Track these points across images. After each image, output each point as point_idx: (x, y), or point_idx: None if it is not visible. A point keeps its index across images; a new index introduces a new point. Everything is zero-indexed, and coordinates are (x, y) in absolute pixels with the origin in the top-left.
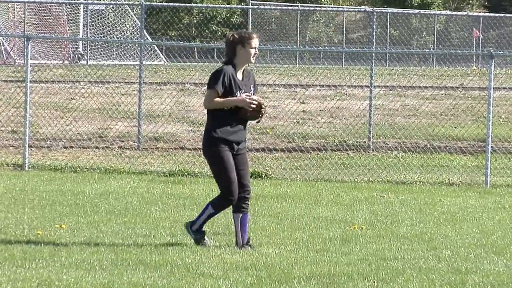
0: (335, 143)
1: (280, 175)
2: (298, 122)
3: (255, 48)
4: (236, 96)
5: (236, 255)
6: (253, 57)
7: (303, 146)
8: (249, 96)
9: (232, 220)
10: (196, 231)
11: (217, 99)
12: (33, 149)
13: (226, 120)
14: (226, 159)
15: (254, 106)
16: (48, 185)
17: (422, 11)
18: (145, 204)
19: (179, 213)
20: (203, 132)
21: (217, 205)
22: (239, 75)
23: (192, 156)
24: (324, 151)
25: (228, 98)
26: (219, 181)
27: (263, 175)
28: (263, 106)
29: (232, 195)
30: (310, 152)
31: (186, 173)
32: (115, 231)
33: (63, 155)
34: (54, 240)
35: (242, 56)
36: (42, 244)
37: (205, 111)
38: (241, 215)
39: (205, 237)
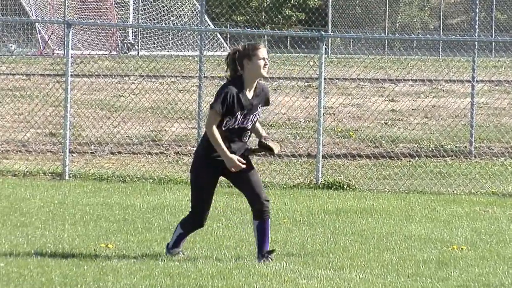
0: (430, 148)
1: (365, 186)
2: (386, 124)
3: (263, 59)
4: (236, 117)
5: (313, 280)
6: (263, 69)
7: (392, 151)
8: (241, 162)
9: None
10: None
11: (217, 136)
12: (74, 155)
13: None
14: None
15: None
16: (92, 198)
17: None
18: (206, 220)
19: (246, 231)
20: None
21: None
22: (249, 93)
23: (262, 163)
24: (417, 158)
25: (222, 147)
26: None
27: (345, 186)
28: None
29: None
30: (401, 159)
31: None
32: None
33: (110, 162)
34: (99, 262)
35: (251, 71)
36: (85, 267)
37: (276, 111)
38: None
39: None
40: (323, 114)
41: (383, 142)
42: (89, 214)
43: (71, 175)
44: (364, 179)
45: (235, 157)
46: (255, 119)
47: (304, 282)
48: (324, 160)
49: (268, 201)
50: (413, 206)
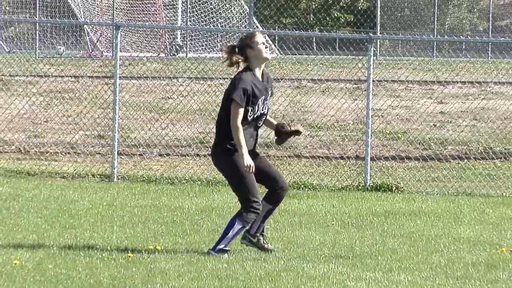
0: (479, 151)
1: (414, 188)
2: (435, 126)
3: (262, 43)
4: (258, 104)
5: (361, 282)
6: (265, 51)
7: (441, 154)
8: (250, 167)
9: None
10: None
11: (241, 133)
12: (123, 157)
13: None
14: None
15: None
16: (141, 199)
17: None
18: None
19: (294, 233)
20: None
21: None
22: (259, 79)
23: (310, 165)
24: (466, 160)
25: (242, 146)
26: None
27: (394, 188)
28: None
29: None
30: (450, 161)
31: (302, 186)
32: (219, 254)
33: (158, 164)
34: (148, 264)
35: (256, 58)
36: (134, 269)
37: (325, 113)
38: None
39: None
40: (372, 116)
41: (432, 144)
42: (138, 216)
43: (119, 177)
44: (413, 181)
45: (251, 162)
46: (270, 104)
47: (353, 284)
48: (373, 162)
49: (287, 190)
50: (462, 209)
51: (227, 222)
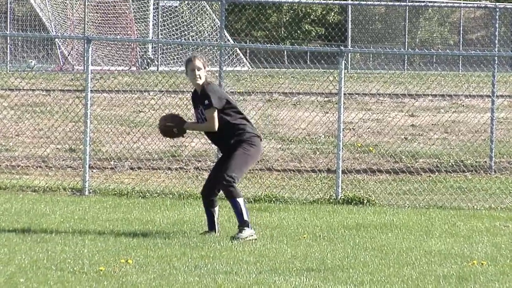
0: (450, 164)
1: (385, 201)
2: (406, 139)
3: (193, 70)
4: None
5: None
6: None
7: (412, 166)
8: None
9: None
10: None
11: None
12: (94, 170)
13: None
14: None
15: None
16: (112, 213)
17: None
18: (226, 235)
19: (265, 246)
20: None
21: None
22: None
23: (281, 178)
24: (437, 173)
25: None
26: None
27: (365, 201)
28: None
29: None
30: (421, 174)
31: (273, 199)
32: (190, 267)
33: (130, 177)
34: (119, 278)
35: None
36: (105, 283)
37: (296, 126)
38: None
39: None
40: (343, 129)
41: (403, 157)
42: (109, 229)
43: (91, 190)
44: (384, 194)
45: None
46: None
47: None
48: (344, 175)
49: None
50: (433, 221)
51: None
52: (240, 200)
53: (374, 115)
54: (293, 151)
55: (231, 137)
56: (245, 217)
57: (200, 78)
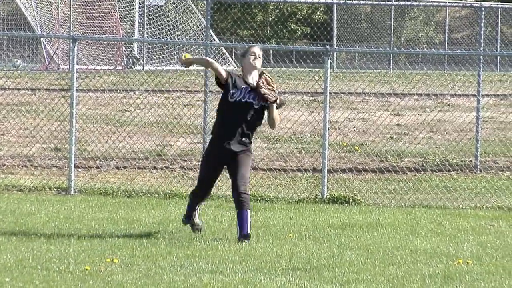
0: (435, 163)
1: (371, 200)
2: (391, 138)
3: (254, 53)
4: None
5: None
6: (253, 61)
7: (397, 166)
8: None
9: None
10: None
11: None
12: (80, 170)
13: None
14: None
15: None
16: (98, 212)
17: None
18: (212, 235)
19: (251, 245)
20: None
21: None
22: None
23: (267, 178)
24: (422, 172)
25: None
26: None
27: (351, 200)
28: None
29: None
30: (406, 173)
31: (259, 198)
32: (176, 266)
33: (115, 176)
34: (105, 277)
35: (245, 65)
36: (91, 282)
37: (282, 125)
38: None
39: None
40: (329, 129)
41: (389, 156)
42: (95, 229)
43: (76, 190)
44: (370, 193)
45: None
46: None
47: None
48: (330, 175)
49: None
50: (419, 221)
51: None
52: (249, 212)
53: (360, 114)
54: (278, 150)
55: (251, 138)
56: (249, 230)
57: (256, 66)
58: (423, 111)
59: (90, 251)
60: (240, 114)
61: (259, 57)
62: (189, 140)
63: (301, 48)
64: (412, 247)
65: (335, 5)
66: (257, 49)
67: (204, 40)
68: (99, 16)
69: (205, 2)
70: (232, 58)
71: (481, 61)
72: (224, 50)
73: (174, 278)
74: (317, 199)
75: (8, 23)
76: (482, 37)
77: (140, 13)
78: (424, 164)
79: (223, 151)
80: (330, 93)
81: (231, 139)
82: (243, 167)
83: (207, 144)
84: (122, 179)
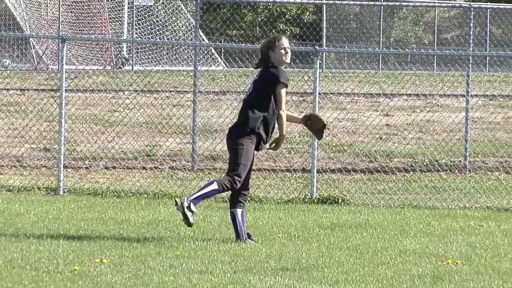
0: (424, 163)
1: (360, 201)
2: (381, 138)
3: (284, 48)
4: None
5: None
6: (285, 56)
7: (386, 166)
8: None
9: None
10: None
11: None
12: (69, 170)
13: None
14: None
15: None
16: (87, 213)
17: None
18: (201, 235)
19: (241, 246)
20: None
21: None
22: None
23: (256, 178)
24: (412, 172)
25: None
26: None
27: (340, 201)
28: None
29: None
30: (395, 174)
31: (248, 198)
32: (165, 267)
33: (104, 177)
34: (94, 277)
35: (275, 59)
36: (80, 282)
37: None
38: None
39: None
40: None
41: (378, 156)
42: (84, 229)
43: (65, 190)
44: (359, 193)
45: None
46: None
47: None
48: (319, 175)
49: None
50: (408, 221)
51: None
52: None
53: (349, 114)
54: (267, 150)
55: None
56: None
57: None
58: (412, 111)
59: (79, 252)
60: None
61: (289, 51)
62: (178, 141)
63: (290, 48)
64: (401, 247)
65: (324, 6)
66: (286, 43)
67: (193, 40)
68: (88, 16)
69: (194, 3)
70: (221, 58)
71: (470, 62)
72: (213, 50)
73: (164, 278)
74: (306, 199)
75: None
76: (471, 37)
77: (129, 13)
78: (413, 165)
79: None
80: (319, 93)
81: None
82: None
83: (248, 138)
84: (111, 179)
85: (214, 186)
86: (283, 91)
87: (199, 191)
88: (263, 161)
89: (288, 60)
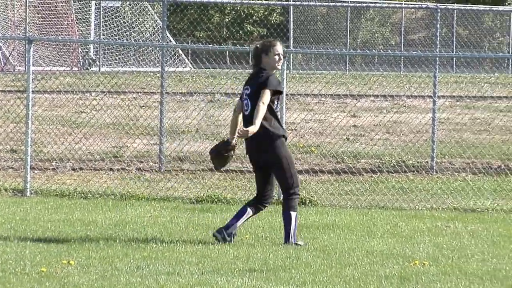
0: (392, 164)
1: (327, 202)
2: (348, 139)
3: (278, 54)
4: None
5: None
6: (278, 62)
7: (354, 167)
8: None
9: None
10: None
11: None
12: (36, 171)
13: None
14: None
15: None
16: (54, 214)
17: (495, 8)
18: (168, 236)
19: (208, 247)
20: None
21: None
22: None
23: (224, 179)
24: (379, 173)
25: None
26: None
27: (307, 202)
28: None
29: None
30: (363, 175)
31: (216, 200)
32: (132, 268)
33: (71, 178)
34: (61, 279)
35: (268, 64)
36: (47, 283)
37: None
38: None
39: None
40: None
41: (345, 157)
42: (51, 230)
43: (32, 191)
44: (326, 194)
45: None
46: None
47: None
48: None
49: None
50: (375, 222)
51: (284, 218)
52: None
53: (316, 115)
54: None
55: None
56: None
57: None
58: (380, 112)
59: (46, 253)
60: None
61: (282, 57)
62: (146, 142)
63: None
64: (368, 248)
65: (291, 7)
66: (281, 49)
67: (160, 41)
68: (55, 17)
69: (161, 4)
70: (188, 59)
71: (437, 63)
72: (180, 52)
73: (131, 279)
74: (273, 200)
75: None
76: (438, 38)
77: (96, 14)
78: (381, 165)
79: None
80: (286, 95)
81: None
82: None
83: (281, 144)
84: (78, 181)
85: (292, 216)
86: (269, 92)
87: (287, 230)
88: (230, 162)
89: (279, 67)
